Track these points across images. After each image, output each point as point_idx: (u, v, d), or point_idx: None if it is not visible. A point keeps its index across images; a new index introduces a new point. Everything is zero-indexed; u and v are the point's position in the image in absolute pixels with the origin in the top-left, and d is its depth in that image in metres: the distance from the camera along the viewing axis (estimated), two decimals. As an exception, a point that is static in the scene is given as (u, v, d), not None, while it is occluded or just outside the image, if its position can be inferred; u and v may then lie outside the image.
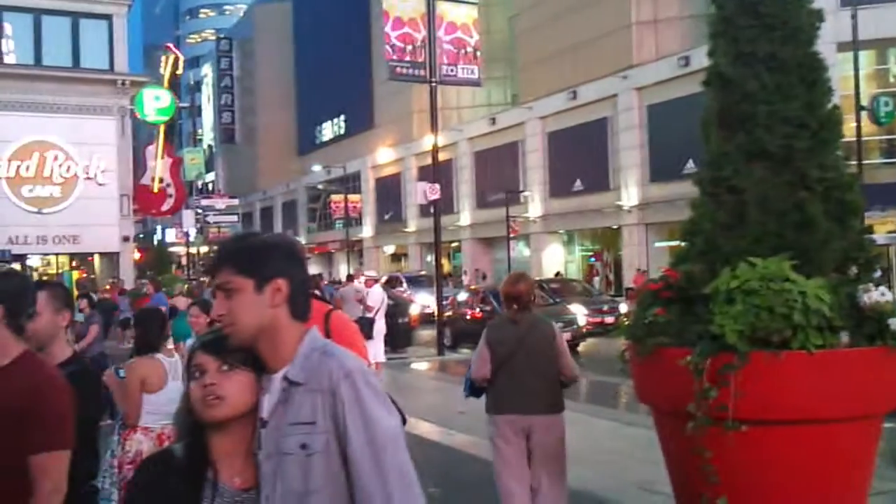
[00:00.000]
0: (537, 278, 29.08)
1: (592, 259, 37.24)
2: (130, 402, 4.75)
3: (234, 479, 1.90)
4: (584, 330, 18.55)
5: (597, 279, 35.16)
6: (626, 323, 4.59)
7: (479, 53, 21.55)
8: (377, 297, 15.68)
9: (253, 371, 1.92)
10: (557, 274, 33.90)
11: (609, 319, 20.63)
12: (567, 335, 17.23)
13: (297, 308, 1.95)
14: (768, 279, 3.72)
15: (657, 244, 31.11)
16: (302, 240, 51.27)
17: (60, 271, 29.50)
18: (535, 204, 36.92)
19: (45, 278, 24.92)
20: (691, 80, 25.51)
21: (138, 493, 1.95)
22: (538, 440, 5.11)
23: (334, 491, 1.82)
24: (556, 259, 37.50)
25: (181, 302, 15.37)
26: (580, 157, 34.13)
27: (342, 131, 60.90)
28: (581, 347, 18.22)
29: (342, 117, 60.63)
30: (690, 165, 25.63)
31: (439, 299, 19.38)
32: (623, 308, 21.10)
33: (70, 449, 2.62)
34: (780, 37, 4.32)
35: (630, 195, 31.71)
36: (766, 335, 3.69)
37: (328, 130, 63.24)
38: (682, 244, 4.60)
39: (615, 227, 33.20)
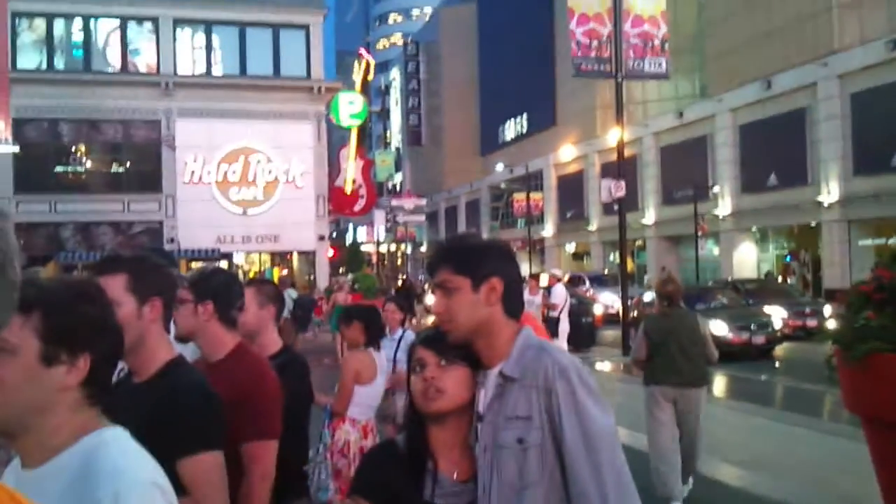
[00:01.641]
0: (729, 279, 28.00)
1: (789, 258, 35.22)
2: (344, 393, 4.87)
3: (453, 470, 1.98)
4: (783, 333, 17.55)
5: (791, 279, 33.25)
6: (833, 327, 4.36)
7: (666, 45, 20.92)
8: (561, 296, 15.62)
9: (470, 366, 2.00)
10: (768, 274, 32.23)
11: (811, 323, 19.41)
12: (761, 338, 16.59)
13: (511, 306, 2.02)
14: None
15: (861, 242, 29.00)
16: (485, 238, 51.73)
17: (263, 268, 31.52)
18: (725, 200, 35.34)
19: (252, 275, 26.72)
20: (902, 66, 23.71)
21: (365, 483, 2.05)
22: (682, 408, 6.40)
23: (550, 485, 1.86)
24: (748, 258, 35.74)
25: (341, 297, 16.79)
26: (775, 150, 32.32)
27: (524, 130, 61.03)
28: (778, 351, 17.32)
29: (524, 116, 60.78)
30: (901, 157, 23.78)
31: (625, 299, 19.04)
32: (827, 311, 19.78)
33: (277, 438, 2.74)
34: None
35: (831, 190, 29.69)
36: None
37: (510, 130, 63.61)
38: (897, 243, 4.32)
39: (813, 224, 31.22)
